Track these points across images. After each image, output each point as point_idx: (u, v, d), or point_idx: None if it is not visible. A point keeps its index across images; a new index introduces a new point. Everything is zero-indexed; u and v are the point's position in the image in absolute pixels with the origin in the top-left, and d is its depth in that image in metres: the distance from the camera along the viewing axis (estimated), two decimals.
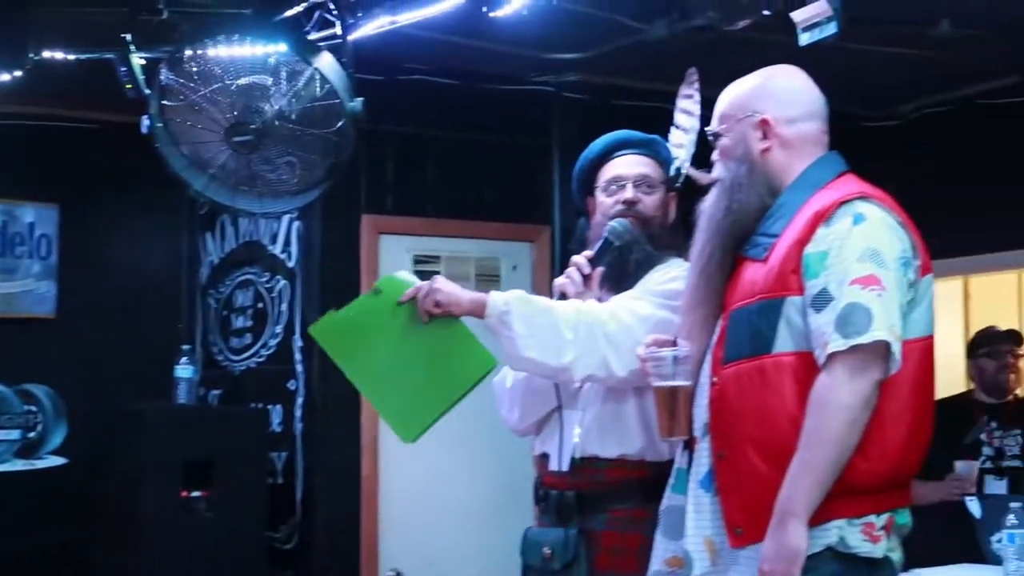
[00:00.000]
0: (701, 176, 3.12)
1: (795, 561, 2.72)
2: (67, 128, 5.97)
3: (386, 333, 3.28)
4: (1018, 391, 5.74)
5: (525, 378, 3.41)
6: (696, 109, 3.47)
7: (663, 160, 3.49)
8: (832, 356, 2.70)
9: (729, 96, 3.05)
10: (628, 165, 3.47)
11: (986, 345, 5.69)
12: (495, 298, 3.17)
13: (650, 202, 3.45)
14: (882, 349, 2.70)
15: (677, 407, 2.99)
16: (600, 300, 3.36)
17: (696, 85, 3.49)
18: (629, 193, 3.43)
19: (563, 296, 3.33)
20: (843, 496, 2.77)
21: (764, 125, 2.97)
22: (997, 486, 5.42)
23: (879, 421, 2.77)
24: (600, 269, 3.37)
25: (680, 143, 3.49)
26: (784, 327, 2.81)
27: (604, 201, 3.47)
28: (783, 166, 2.97)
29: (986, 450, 5.49)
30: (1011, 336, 5.69)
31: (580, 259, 3.37)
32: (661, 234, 3.45)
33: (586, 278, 3.36)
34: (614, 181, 3.46)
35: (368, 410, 5.58)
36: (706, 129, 3.08)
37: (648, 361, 3.03)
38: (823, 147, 3.01)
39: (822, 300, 2.75)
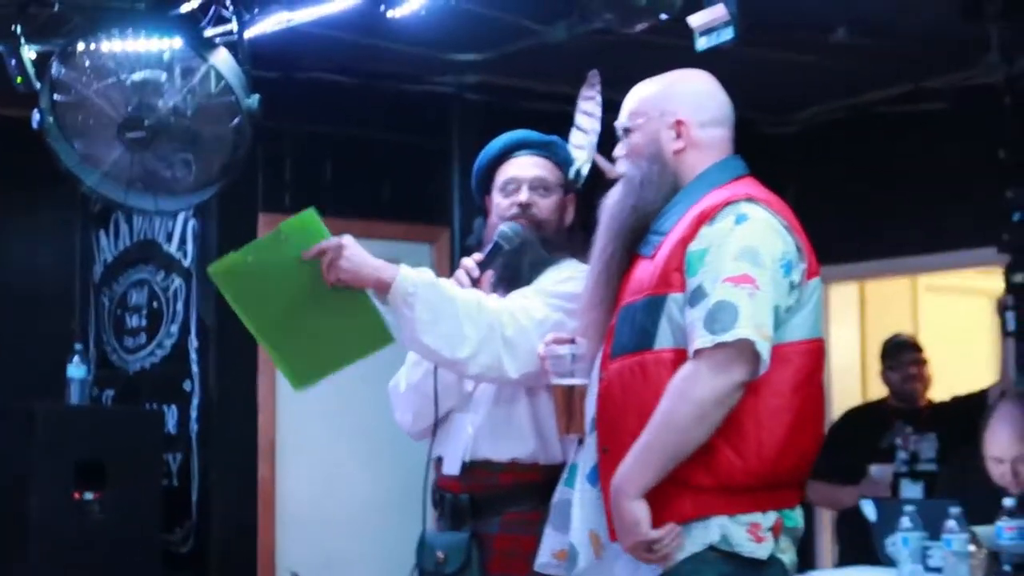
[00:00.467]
0: (609, 168, 3.12)
1: (638, 530, 2.75)
2: None
3: (287, 281, 3.19)
4: (931, 396, 5.83)
5: (417, 383, 3.40)
6: (597, 111, 3.46)
7: (561, 162, 3.49)
8: (698, 352, 2.72)
9: (642, 94, 3.06)
10: (524, 167, 3.46)
11: (889, 358, 5.79)
12: (403, 279, 3.10)
13: (545, 205, 3.43)
14: (747, 348, 2.71)
15: (574, 405, 3.04)
16: None
17: (598, 87, 3.49)
18: (523, 196, 3.42)
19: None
20: (720, 492, 2.80)
21: (679, 126, 2.99)
22: (913, 490, 5.50)
23: (755, 420, 2.80)
24: (489, 272, 3.36)
25: (580, 145, 3.49)
26: (665, 323, 2.84)
27: (500, 202, 3.46)
28: (691, 168, 3.00)
29: (901, 454, 5.57)
30: (911, 346, 5.77)
31: (469, 262, 3.35)
32: (555, 238, 3.45)
33: (475, 281, 3.33)
34: (510, 182, 3.45)
35: (265, 411, 5.54)
36: (616, 123, 3.08)
37: (547, 359, 3.06)
38: (728, 153, 3.04)
39: (697, 296, 2.78)
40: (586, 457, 2.99)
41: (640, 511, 2.74)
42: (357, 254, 3.14)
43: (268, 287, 3.20)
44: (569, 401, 3.04)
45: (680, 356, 2.80)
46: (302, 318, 3.20)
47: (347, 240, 3.16)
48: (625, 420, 2.85)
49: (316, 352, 3.24)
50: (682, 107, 3.01)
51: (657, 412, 2.74)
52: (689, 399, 2.72)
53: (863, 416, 5.89)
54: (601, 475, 2.92)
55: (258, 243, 3.28)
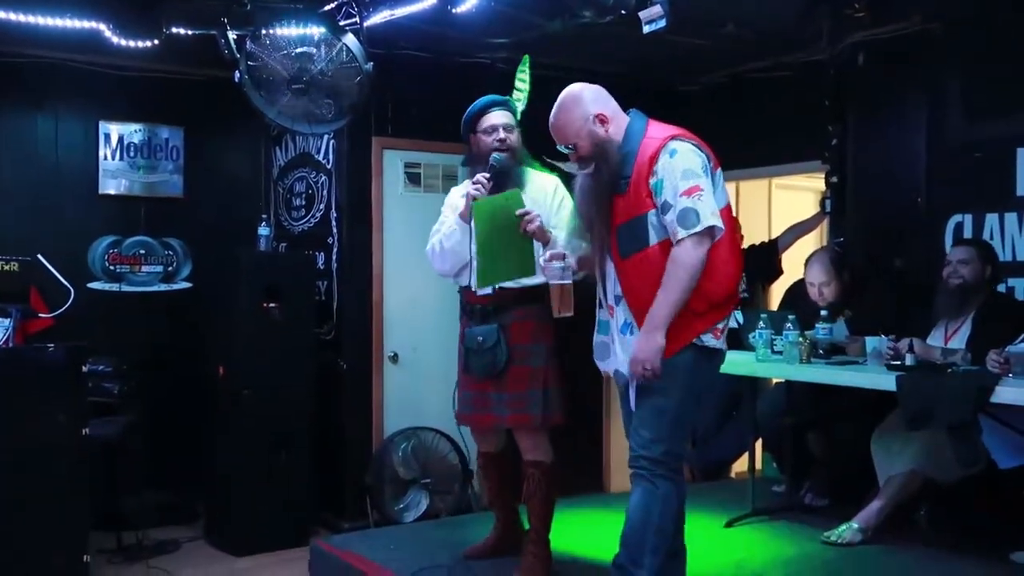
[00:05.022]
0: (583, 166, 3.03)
1: (658, 354, 2.78)
2: (189, 79, 5.79)
3: (502, 219, 3.28)
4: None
5: (452, 247, 3.47)
6: (527, 79, 3.59)
7: (512, 110, 3.54)
8: (680, 240, 2.75)
9: (565, 120, 2.95)
10: (499, 117, 3.50)
11: None
12: (554, 240, 3.26)
13: (512, 139, 3.49)
14: (711, 229, 2.75)
15: (564, 296, 3.05)
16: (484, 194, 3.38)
17: (526, 69, 3.54)
18: (501, 134, 3.47)
19: (475, 199, 3.34)
20: (706, 312, 2.83)
21: (599, 117, 2.93)
22: (735, 311, 5.45)
23: (716, 263, 2.82)
24: (491, 182, 3.40)
25: (519, 98, 3.58)
26: (651, 229, 2.84)
27: (485, 140, 3.49)
28: (617, 131, 2.93)
29: None
30: None
31: (482, 178, 3.39)
32: (519, 155, 3.52)
33: (490, 185, 3.38)
34: (491, 128, 3.48)
35: (376, 256, 5.57)
36: (560, 148, 2.99)
37: (547, 268, 3.10)
38: (622, 112, 2.98)
39: (667, 207, 2.79)
40: (618, 318, 2.97)
41: (664, 342, 2.78)
42: (541, 223, 3.27)
43: (492, 218, 3.29)
44: (561, 294, 3.05)
45: (664, 245, 2.81)
46: (499, 243, 3.29)
47: (537, 215, 3.27)
48: (644, 291, 2.84)
49: (496, 268, 3.32)
50: (592, 107, 2.92)
51: (666, 279, 2.75)
52: (685, 265, 2.74)
53: None
54: (637, 322, 2.89)
55: (497, 197, 3.33)
